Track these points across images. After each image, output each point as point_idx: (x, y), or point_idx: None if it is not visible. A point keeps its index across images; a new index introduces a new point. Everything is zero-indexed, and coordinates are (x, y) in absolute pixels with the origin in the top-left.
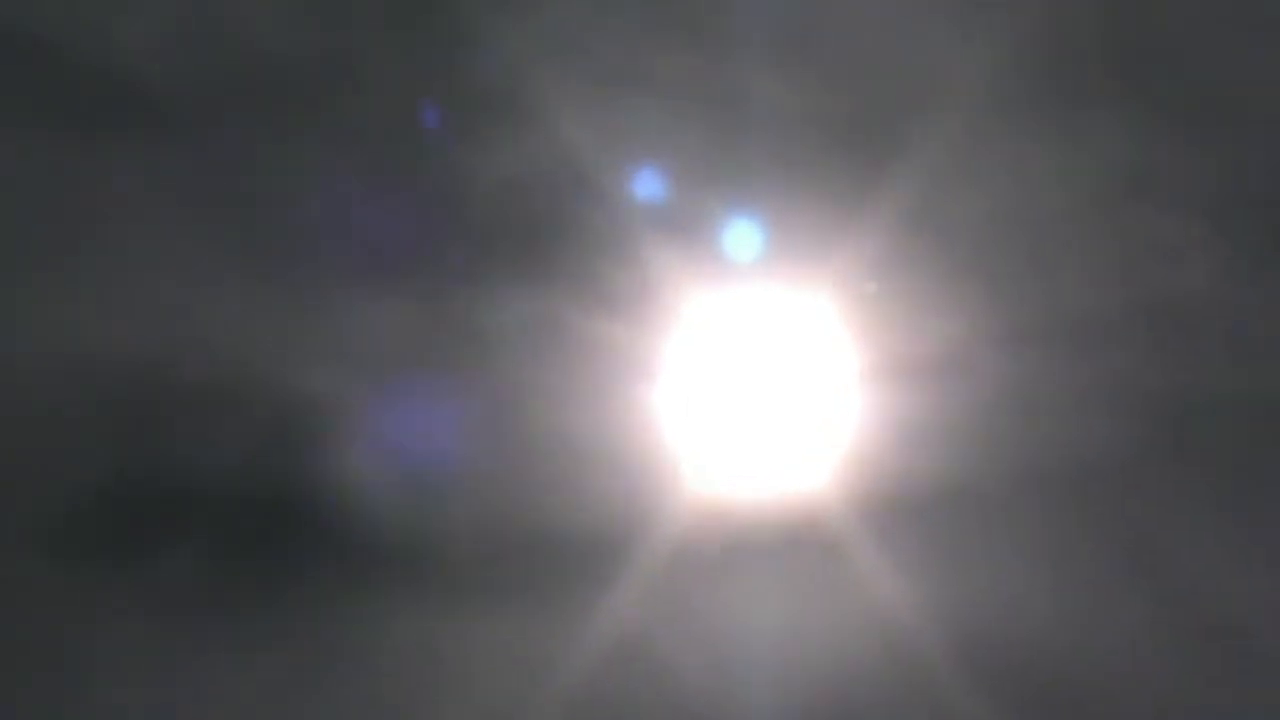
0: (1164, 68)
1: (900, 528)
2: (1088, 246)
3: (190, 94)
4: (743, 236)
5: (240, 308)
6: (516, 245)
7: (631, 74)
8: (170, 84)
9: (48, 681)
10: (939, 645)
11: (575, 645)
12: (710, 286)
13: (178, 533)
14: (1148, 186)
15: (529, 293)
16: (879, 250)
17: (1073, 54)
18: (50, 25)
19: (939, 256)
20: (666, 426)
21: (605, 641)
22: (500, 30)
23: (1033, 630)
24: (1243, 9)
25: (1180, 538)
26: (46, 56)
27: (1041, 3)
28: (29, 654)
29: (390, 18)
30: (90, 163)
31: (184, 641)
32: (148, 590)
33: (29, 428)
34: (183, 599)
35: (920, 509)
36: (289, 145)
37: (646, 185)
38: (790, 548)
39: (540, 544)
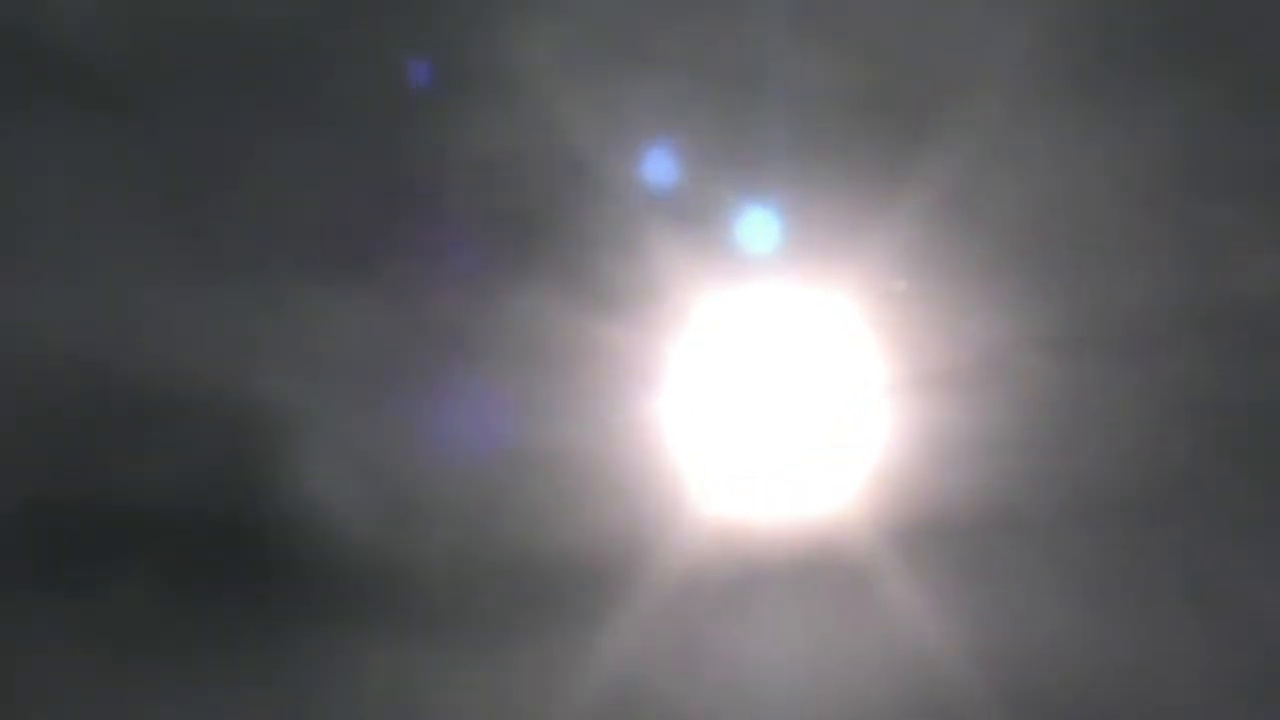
0: (1224, 45)
1: (934, 555)
2: (1141, 241)
3: (131, 67)
4: (759, 228)
5: (191, 306)
6: (504, 236)
7: (635, 44)
8: (108, 56)
9: None
10: (976, 686)
11: (569, 686)
12: (722, 284)
13: (120, 559)
14: (1207, 175)
15: (518, 290)
16: (910, 244)
17: (1124, 28)
18: None
19: (977, 252)
20: (672, 441)
21: (603, 682)
22: None
23: (1081, 671)
24: None
25: (1249, 566)
26: None
27: None
28: None
29: None
30: (16, 145)
31: (129, 678)
32: (86, 623)
33: None
34: (127, 631)
35: (956, 534)
36: (243, 123)
37: (651, 170)
38: (811, 577)
39: (531, 572)
